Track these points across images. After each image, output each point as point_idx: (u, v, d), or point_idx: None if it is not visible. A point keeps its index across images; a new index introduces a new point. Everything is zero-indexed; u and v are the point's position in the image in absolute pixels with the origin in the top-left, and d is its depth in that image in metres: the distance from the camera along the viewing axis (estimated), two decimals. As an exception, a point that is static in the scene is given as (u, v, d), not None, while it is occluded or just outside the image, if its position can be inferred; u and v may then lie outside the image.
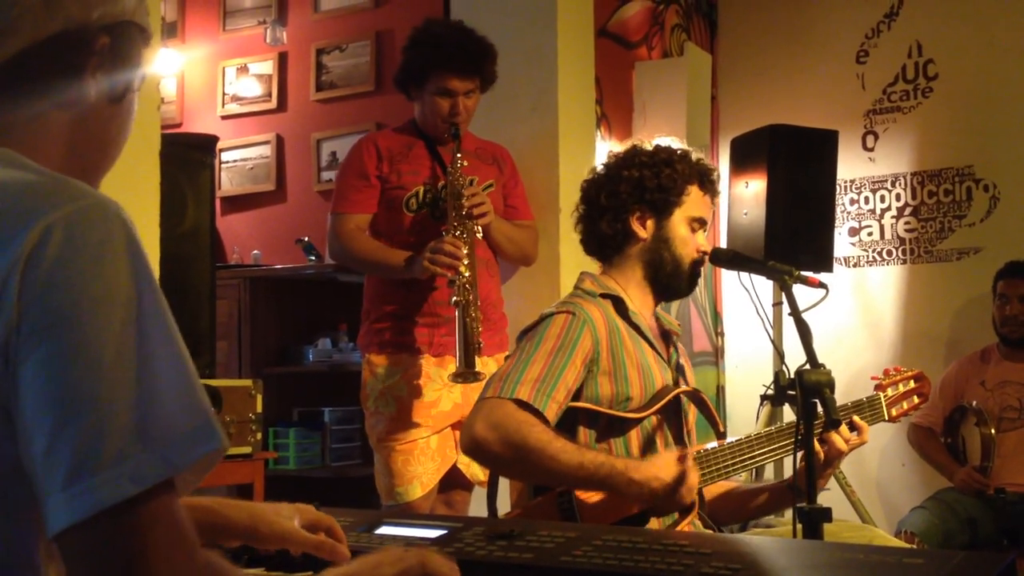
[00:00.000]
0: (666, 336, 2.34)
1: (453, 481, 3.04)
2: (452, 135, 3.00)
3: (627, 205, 2.25)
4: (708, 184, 2.30)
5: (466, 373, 2.78)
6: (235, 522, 1.35)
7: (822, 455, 2.07)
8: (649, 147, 2.31)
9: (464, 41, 3.00)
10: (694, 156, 2.30)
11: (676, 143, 2.33)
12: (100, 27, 1.05)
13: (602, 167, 2.35)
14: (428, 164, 3.06)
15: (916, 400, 2.44)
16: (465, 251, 2.85)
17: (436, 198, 3.02)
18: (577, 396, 2.10)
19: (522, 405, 1.97)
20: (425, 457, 2.95)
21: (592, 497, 2.05)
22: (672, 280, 2.28)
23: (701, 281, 4.74)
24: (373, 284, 3.11)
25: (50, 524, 0.86)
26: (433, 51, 2.98)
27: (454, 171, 2.96)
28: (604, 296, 2.22)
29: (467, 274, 2.84)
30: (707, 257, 2.29)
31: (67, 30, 1.03)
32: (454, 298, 2.82)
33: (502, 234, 3.09)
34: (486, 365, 3.01)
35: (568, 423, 2.08)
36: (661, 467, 1.98)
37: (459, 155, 2.98)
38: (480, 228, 2.94)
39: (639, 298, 2.28)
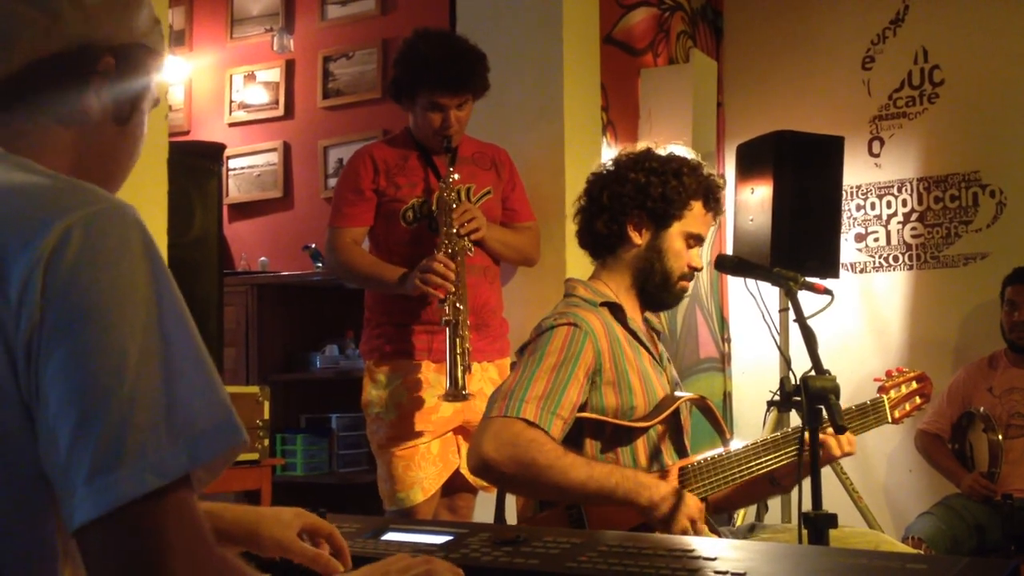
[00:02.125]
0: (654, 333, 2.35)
1: (457, 485, 3.04)
2: (445, 148, 3.00)
3: (627, 209, 2.25)
4: (713, 202, 2.28)
5: (456, 393, 2.79)
6: (236, 527, 1.36)
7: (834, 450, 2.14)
8: (663, 153, 2.29)
9: (451, 57, 2.95)
10: (705, 171, 2.28)
11: (690, 154, 2.32)
12: (106, 47, 1.06)
13: (611, 164, 2.34)
14: (424, 175, 3.06)
15: (918, 401, 2.45)
16: (455, 269, 2.85)
17: (432, 210, 3.02)
18: (583, 408, 2.09)
19: (529, 424, 1.97)
20: (426, 462, 2.95)
21: (601, 507, 2.05)
22: (659, 292, 2.28)
23: (708, 287, 4.81)
24: (373, 292, 3.12)
25: (73, 518, 0.87)
26: (420, 69, 2.95)
27: (445, 187, 2.95)
28: (603, 304, 2.22)
29: (457, 292, 2.84)
30: (697, 273, 2.30)
31: (70, 48, 1.04)
32: (444, 318, 2.82)
33: (498, 242, 3.08)
34: (487, 371, 3.03)
35: (574, 434, 2.08)
36: (666, 488, 1.99)
37: (451, 169, 2.97)
38: (471, 244, 2.94)
39: (629, 303, 2.28)
